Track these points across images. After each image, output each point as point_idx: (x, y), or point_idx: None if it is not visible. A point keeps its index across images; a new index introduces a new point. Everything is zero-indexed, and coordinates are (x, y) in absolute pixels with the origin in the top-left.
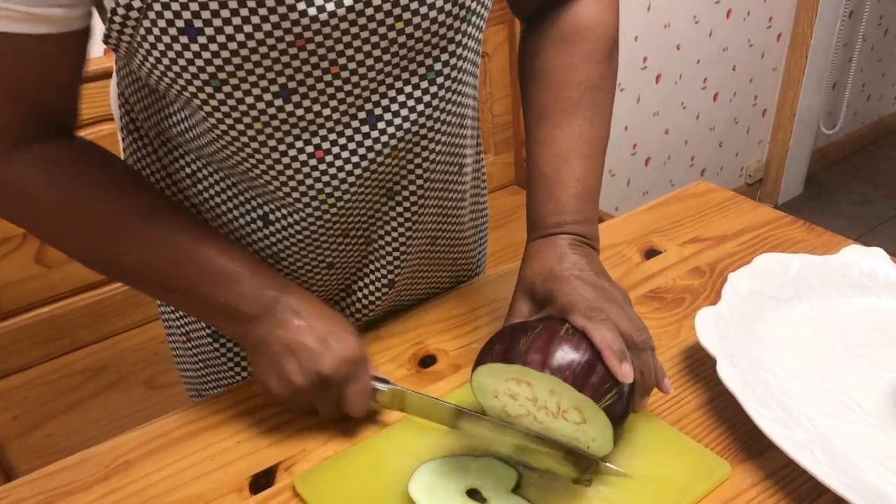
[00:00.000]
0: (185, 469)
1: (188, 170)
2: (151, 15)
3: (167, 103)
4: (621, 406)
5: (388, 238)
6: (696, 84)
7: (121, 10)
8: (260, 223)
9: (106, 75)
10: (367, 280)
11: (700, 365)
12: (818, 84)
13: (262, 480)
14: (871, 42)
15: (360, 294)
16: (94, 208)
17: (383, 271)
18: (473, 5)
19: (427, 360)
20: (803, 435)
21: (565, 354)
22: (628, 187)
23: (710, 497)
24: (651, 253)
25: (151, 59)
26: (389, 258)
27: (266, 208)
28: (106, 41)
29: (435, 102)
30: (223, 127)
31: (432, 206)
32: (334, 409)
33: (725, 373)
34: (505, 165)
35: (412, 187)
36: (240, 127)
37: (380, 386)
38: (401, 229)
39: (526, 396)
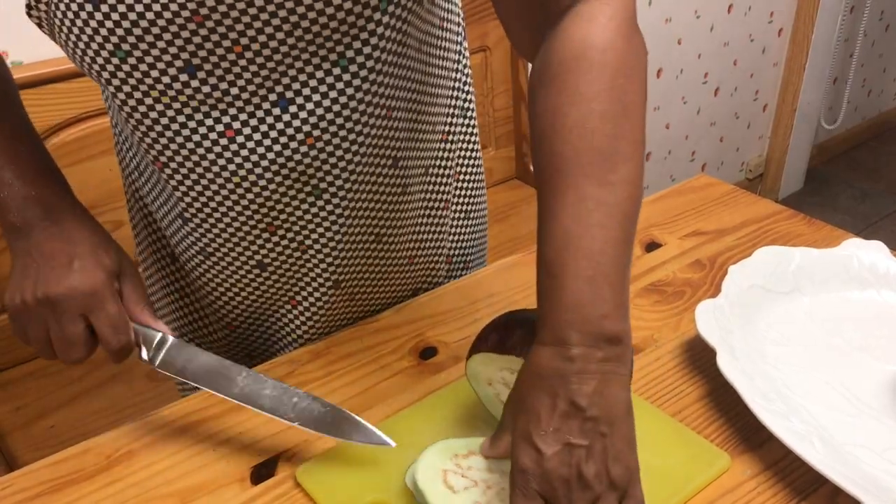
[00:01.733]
0: (187, 459)
1: (133, 163)
2: None
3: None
4: None
5: (321, 240)
6: (696, 78)
7: None
8: (179, 222)
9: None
10: (309, 282)
11: (700, 357)
12: (819, 79)
13: (264, 471)
14: (873, 37)
15: (306, 297)
16: None
17: (325, 274)
18: None
19: (427, 352)
20: (803, 426)
21: None
22: None
23: (710, 488)
24: (652, 246)
25: (64, 31)
26: (329, 259)
27: (182, 205)
28: (28, 13)
29: (350, 92)
30: (132, 103)
31: (365, 202)
32: (65, 346)
33: (725, 365)
34: (506, 160)
35: (338, 182)
36: (148, 101)
37: (139, 328)
38: (334, 227)
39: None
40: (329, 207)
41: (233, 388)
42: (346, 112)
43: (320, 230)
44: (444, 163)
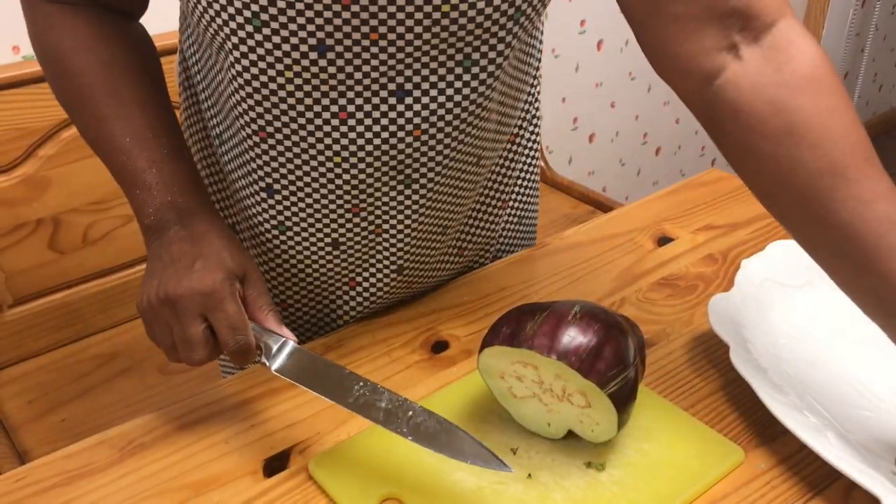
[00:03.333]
0: (200, 452)
1: (216, 131)
2: None
3: (209, 52)
4: (627, 391)
5: (399, 225)
6: None
7: None
8: (264, 194)
9: (172, 51)
10: (374, 264)
11: (713, 351)
12: None
13: (276, 464)
14: (884, 31)
15: (368, 278)
16: (76, 71)
17: (392, 258)
18: (524, 6)
19: (439, 346)
20: (817, 420)
21: (572, 339)
22: (638, 177)
23: (724, 482)
24: (664, 240)
25: None
26: (400, 244)
27: (272, 177)
28: None
29: (466, 92)
30: (253, 71)
31: (446, 195)
32: (187, 346)
33: (738, 359)
34: None
35: (430, 175)
36: (270, 73)
37: (253, 327)
38: (414, 216)
39: (532, 379)
40: (415, 197)
41: (348, 397)
42: (456, 110)
43: (400, 216)
44: (508, 163)
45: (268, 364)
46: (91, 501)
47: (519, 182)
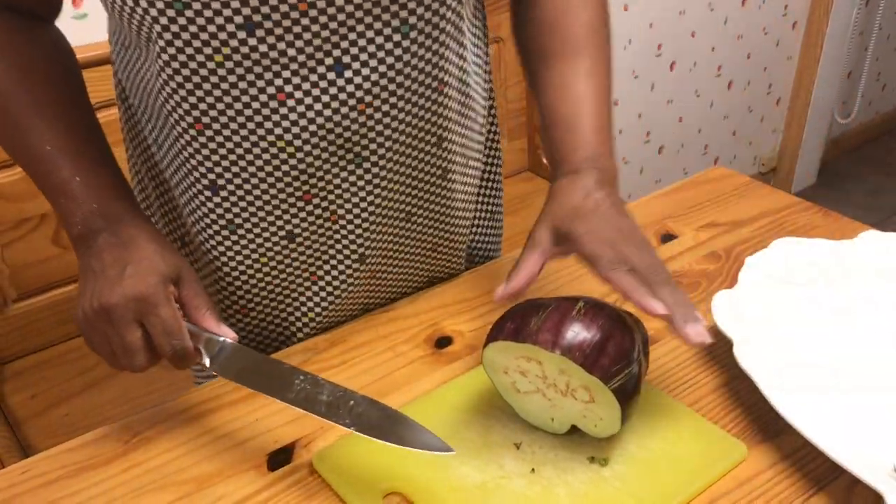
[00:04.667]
0: (203, 446)
1: (152, 137)
2: None
3: (137, 52)
4: (631, 386)
5: (355, 209)
6: (710, 72)
7: None
8: (207, 193)
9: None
10: (334, 255)
11: (716, 348)
12: (833, 73)
13: (280, 458)
14: (888, 31)
15: (329, 271)
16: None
17: (352, 245)
18: None
19: (443, 341)
20: (820, 417)
21: (576, 335)
22: (641, 175)
23: (727, 478)
24: (667, 237)
25: None
26: (358, 231)
27: (214, 173)
28: None
29: (406, 58)
30: (182, 58)
31: (404, 177)
32: (126, 354)
33: (742, 354)
34: (519, 151)
35: (381, 151)
36: (200, 58)
37: (191, 328)
38: (369, 198)
39: (536, 374)
40: (368, 177)
41: (289, 392)
42: (399, 79)
43: (355, 199)
44: (481, 157)
45: (208, 365)
46: (95, 494)
47: (485, 174)
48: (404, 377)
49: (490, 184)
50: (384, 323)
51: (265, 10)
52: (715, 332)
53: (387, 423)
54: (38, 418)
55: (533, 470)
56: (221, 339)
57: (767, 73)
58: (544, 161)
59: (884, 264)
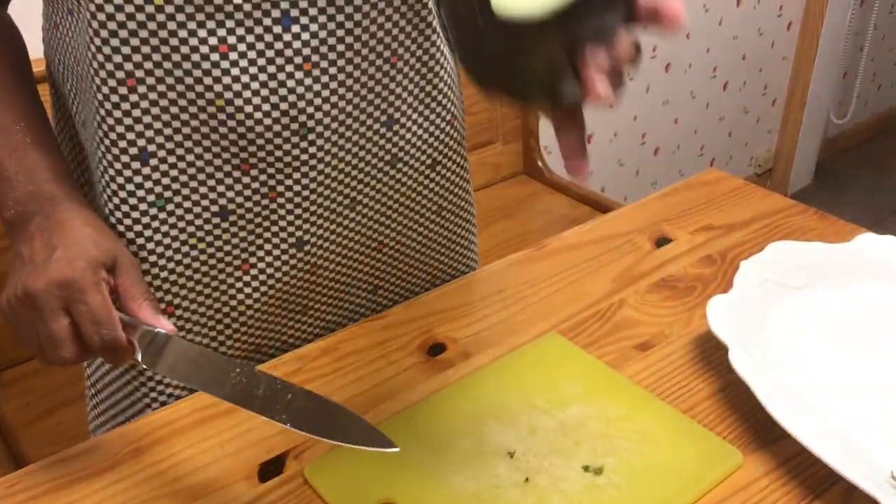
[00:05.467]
0: (194, 457)
1: (75, 118)
2: None
3: (64, 26)
4: None
5: (296, 186)
6: (705, 73)
7: None
8: (137, 164)
9: None
10: (270, 238)
11: (712, 353)
12: (828, 73)
13: (272, 468)
14: (883, 31)
15: (263, 257)
16: None
17: (290, 228)
18: None
19: (436, 348)
20: (816, 423)
21: None
22: (637, 177)
23: (723, 485)
24: (662, 241)
25: None
26: (298, 211)
27: (143, 139)
28: None
29: (357, 18)
30: (118, 1)
31: (350, 157)
32: (52, 346)
33: (738, 360)
34: (513, 154)
35: (325, 121)
36: (137, 1)
37: (127, 320)
38: (311, 174)
39: None
40: (312, 150)
41: (224, 387)
42: (349, 39)
43: (296, 175)
44: (440, 168)
45: (140, 360)
46: None
47: (452, 181)
48: (397, 385)
49: (456, 190)
50: (378, 330)
51: None
52: (710, 337)
53: (326, 420)
54: (30, 427)
55: (527, 479)
56: (157, 330)
57: (763, 74)
58: (539, 164)
59: (880, 267)
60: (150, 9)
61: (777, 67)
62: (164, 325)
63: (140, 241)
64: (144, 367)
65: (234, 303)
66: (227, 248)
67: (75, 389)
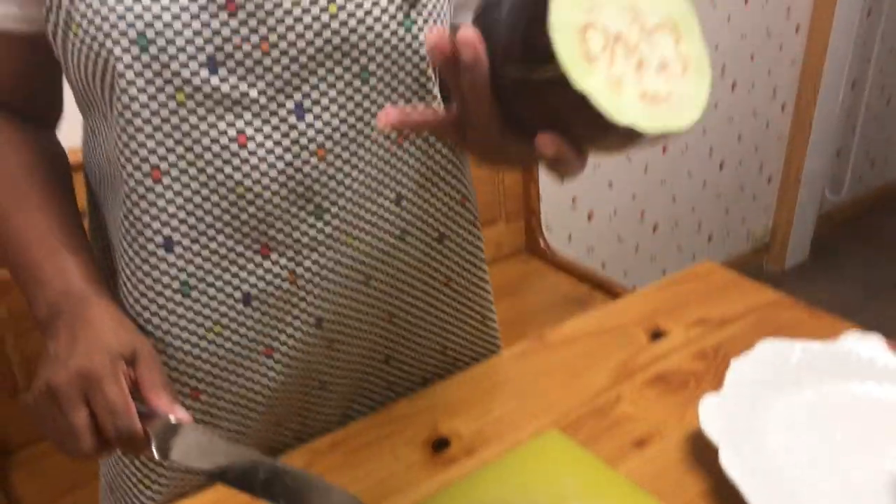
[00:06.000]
0: None
1: (105, 212)
2: None
3: (97, 129)
4: None
5: (314, 266)
6: (702, 153)
7: None
8: (161, 252)
9: None
10: (292, 322)
11: (705, 450)
12: (822, 151)
13: None
14: (875, 111)
15: (286, 341)
16: None
17: (310, 308)
18: (413, 15)
19: (440, 443)
20: None
21: None
22: (637, 253)
23: None
24: (657, 334)
25: (83, 26)
26: (317, 291)
27: (169, 228)
28: (46, 18)
29: (366, 105)
30: (143, 99)
31: (363, 233)
32: (72, 437)
33: (728, 462)
34: (516, 232)
35: (341, 202)
36: (161, 98)
37: (144, 410)
38: (328, 253)
39: (625, 19)
40: (328, 230)
41: (228, 474)
42: (359, 125)
43: (315, 255)
44: (448, 242)
45: (153, 449)
46: None
47: (461, 255)
48: (403, 481)
49: (466, 265)
50: (386, 423)
51: (228, 48)
52: (703, 434)
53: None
54: None
55: None
56: (171, 420)
57: (758, 153)
58: (541, 242)
59: (867, 367)
60: (172, 105)
61: (772, 147)
62: (180, 415)
63: (165, 326)
64: (158, 457)
65: (258, 387)
66: (251, 333)
67: (89, 470)
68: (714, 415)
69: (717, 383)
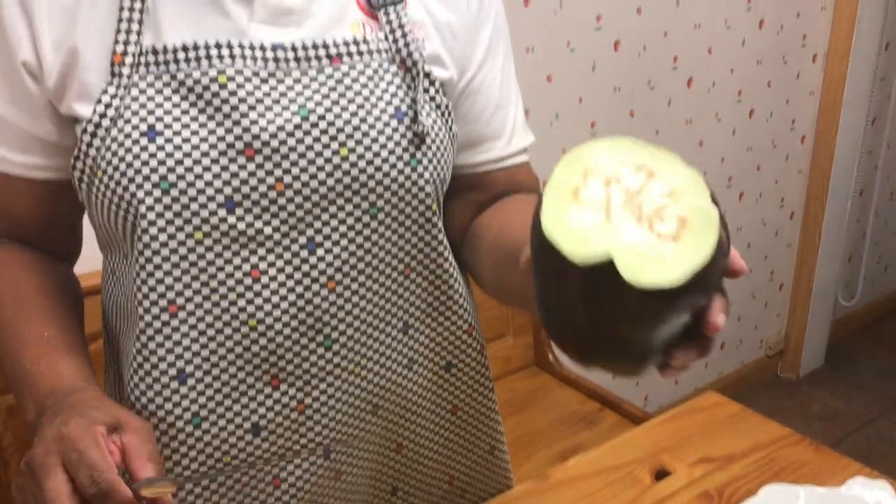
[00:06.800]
0: None
1: (120, 349)
2: (120, 123)
3: (119, 270)
4: (720, 258)
5: (322, 396)
6: None
7: (95, 119)
8: (175, 384)
9: None
10: (300, 451)
11: None
12: (833, 258)
13: None
14: (885, 217)
15: (293, 471)
16: None
17: (318, 438)
18: (419, 155)
19: None
20: None
21: None
22: None
23: None
24: (661, 474)
25: (109, 170)
26: (324, 421)
27: (182, 361)
28: (73, 166)
29: (375, 238)
30: (162, 238)
31: (372, 363)
32: None
33: None
34: (524, 347)
35: (349, 332)
36: (180, 237)
37: (137, 484)
38: (337, 382)
39: (625, 185)
40: (336, 360)
41: None
42: (367, 258)
43: (323, 385)
44: (455, 371)
45: None
46: None
47: (468, 384)
48: None
49: (474, 394)
50: None
51: (245, 189)
52: None
53: None
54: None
55: None
56: (157, 489)
57: (769, 261)
58: (550, 357)
59: None
60: (191, 243)
61: (782, 254)
62: (170, 486)
63: (175, 457)
64: None
65: None
66: (259, 463)
67: None
68: None
69: None
